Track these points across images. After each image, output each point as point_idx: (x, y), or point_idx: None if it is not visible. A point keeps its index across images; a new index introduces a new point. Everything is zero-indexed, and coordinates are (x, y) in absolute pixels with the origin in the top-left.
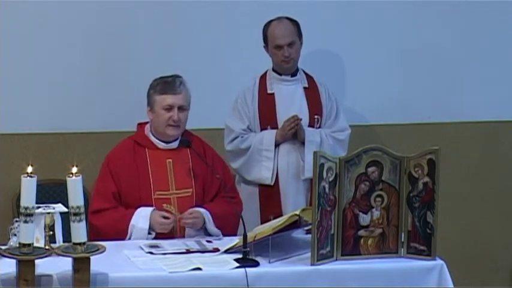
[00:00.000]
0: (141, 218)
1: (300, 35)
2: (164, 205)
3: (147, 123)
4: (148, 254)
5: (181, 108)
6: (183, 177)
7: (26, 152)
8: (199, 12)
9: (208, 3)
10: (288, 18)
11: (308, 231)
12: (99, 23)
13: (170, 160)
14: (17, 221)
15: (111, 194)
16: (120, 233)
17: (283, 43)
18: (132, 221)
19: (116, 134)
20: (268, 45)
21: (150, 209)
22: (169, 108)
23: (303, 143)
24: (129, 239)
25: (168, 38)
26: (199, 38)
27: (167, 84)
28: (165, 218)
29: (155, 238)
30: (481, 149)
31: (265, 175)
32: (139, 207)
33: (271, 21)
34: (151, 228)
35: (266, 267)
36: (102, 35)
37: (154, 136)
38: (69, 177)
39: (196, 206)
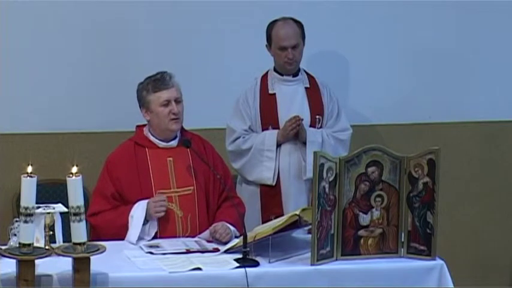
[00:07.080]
0: (139, 207)
1: (303, 36)
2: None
3: (145, 125)
4: (148, 254)
5: (177, 101)
6: (184, 175)
7: (26, 152)
8: (199, 13)
9: (208, 3)
10: (292, 19)
11: (309, 231)
12: (99, 23)
13: (171, 158)
14: (17, 221)
15: (109, 196)
16: (120, 228)
17: (288, 45)
18: (131, 212)
19: (116, 134)
20: (271, 45)
21: (147, 200)
22: (167, 103)
23: (304, 143)
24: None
25: (168, 38)
26: (200, 38)
27: (158, 81)
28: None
29: (154, 238)
30: (481, 149)
31: (267, 175)
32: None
33: (275, 21)
34: (148, 215)
35: (266, 267)
36: (102, 35)
37: (153, 136)
38: (69, 177)
39: (213, 216)
